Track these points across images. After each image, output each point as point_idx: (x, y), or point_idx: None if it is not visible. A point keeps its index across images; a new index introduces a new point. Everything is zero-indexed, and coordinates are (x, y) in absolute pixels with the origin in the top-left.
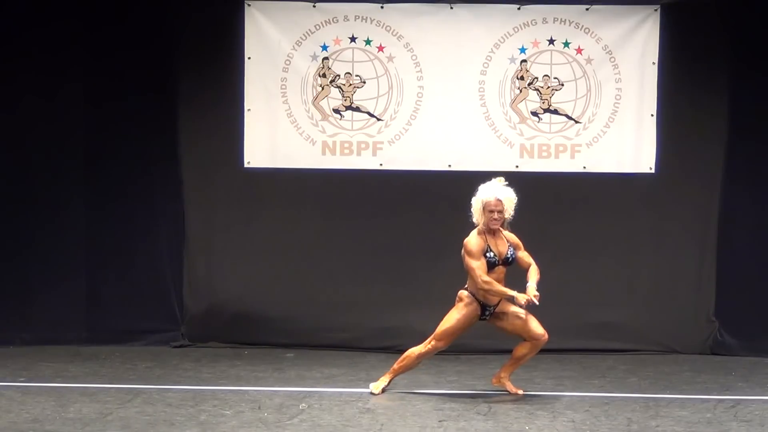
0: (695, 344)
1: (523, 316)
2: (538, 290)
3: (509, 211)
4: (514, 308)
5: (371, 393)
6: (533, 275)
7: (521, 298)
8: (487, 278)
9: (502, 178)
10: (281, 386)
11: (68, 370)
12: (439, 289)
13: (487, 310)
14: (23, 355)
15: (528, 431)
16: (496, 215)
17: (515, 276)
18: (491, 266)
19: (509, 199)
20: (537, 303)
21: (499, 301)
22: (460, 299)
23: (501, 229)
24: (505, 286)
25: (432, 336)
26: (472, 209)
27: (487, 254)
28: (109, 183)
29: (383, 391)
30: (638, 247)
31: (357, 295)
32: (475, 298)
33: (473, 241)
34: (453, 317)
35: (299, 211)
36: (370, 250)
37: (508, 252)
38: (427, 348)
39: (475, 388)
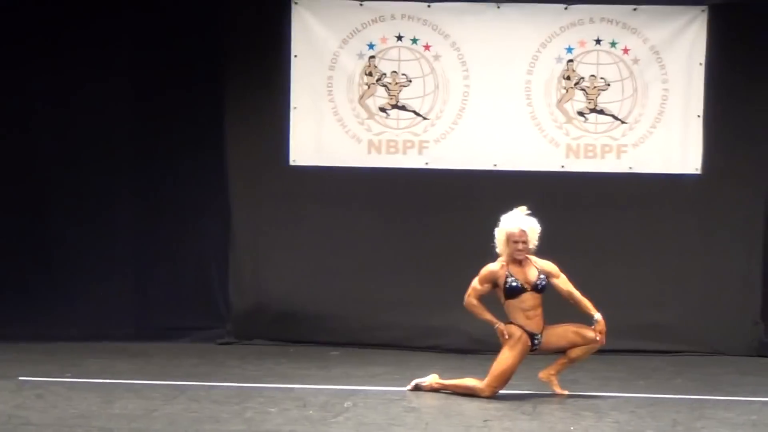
0: (741, 346)
1: (572, 328)
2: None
3: (533, 241)
4: (560, 326)
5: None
6: (588, 305)
7: (502, 328)
8: (473, 301)
9: (524, 207)
10: (326, 384)
11: (115, 367)
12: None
13: (535, 338)
14: (70, 351)
15: (573, 431)
16: (520, 246)
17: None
18: (517, 293)
19: (533, 229)
20: (601, 342)
21: (544, 329)
22: (510, 335)
23: (530, 257)
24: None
25: (489, 379)
26: (495, 240)
27: (509, 281)
28: (156, 180)
29: (416, 388)
30: (684, 248)
31: (402, 293)
32: (524, 329)
33: (488, 266)
34: (507, 360)
35: (345, 210)
36: (416, 248)
37: (539, 279)
38: (484, 393)
39: (520, 388)
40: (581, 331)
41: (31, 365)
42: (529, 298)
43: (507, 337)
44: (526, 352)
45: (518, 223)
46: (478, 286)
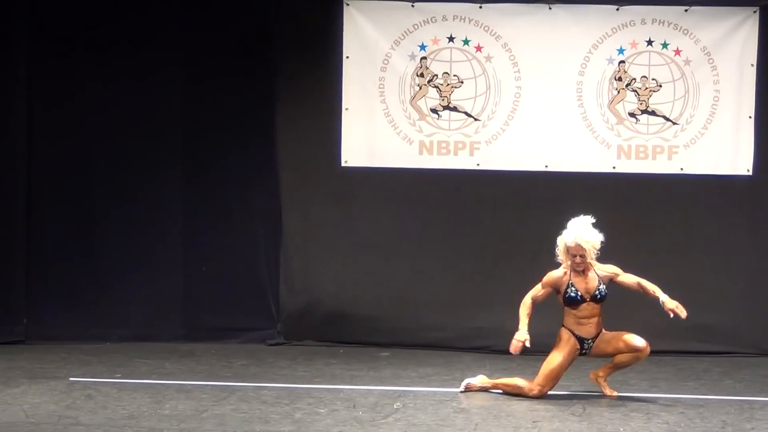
0: None
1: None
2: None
3: (591, 254)
4: (612, 333)
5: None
6: (655, 288)
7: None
8: (526, 299)
9: (589, 217)
10: (376, 385)
11: (164, 367)
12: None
13: (585, 343)
14: (120, 351)
15: None
16: (578, 259)
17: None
18: (576, 303)
19: (589, 242)
20: (683, 313)
21: (597, 335)
22: (560, 338)
23: (593, 263)
24: (603, 319)
25: (537, 378)
26: (557, 248)
27: (569, 291)
28: (207, 180)
29: (467, 389)
30: (735, 249)
31: (452, 294)
32: (573, 332)
33: (552, 272)
34: (555, 360)
35: (395, 211)
36: (466, 249)
37: (597, 290)
38: (532, 392)
39: (569, 389)
40: (628, 338)
41: (80, 366)
42: (586, 308)
43: (514, 353)
44: (574, 354)
45: (576, 235)
46: (539, 288)
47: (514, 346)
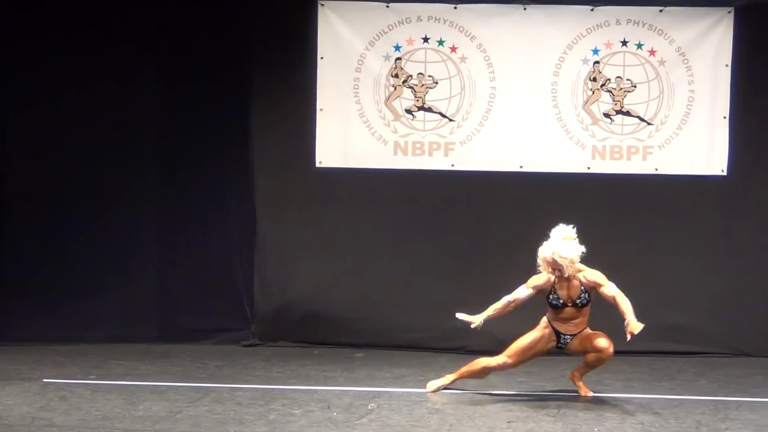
0: (766, 347)
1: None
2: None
3: (569, 270)
4: (588, 332)
5: (427, 392)
6: (627, 309)
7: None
8: (502, 300)
9: (570, 227)
10: (351, 386)
11: (138, 369)
12: (510, 290)
13: (562, 337)
14: (94, 353)
15: None
16: (556, 273)
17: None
18: (559, 308)
19: (566, 258)
20: (636, 333)
21: (579, 332)
22: (539, 324)
23: (577, 268)
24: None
25: (505, 351)
26: (537, 258)
27: (551, 298)
28: (182, 182)
29: (437, 389)
30: (709, 250)
31: (427, 295)
32: (552, 325)
33: (537, 276)
34: (527, 336)
35: (370, 212)
36: (441, 250)
37: (579, 297)
38: (496, 362)
39: (544, 389)
40: (595, 338)
41: (54, 367)
42: (569, 311)
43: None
44: (548, 340)
45: (553, 250)
46: (524, 289)
47: (464, 317)
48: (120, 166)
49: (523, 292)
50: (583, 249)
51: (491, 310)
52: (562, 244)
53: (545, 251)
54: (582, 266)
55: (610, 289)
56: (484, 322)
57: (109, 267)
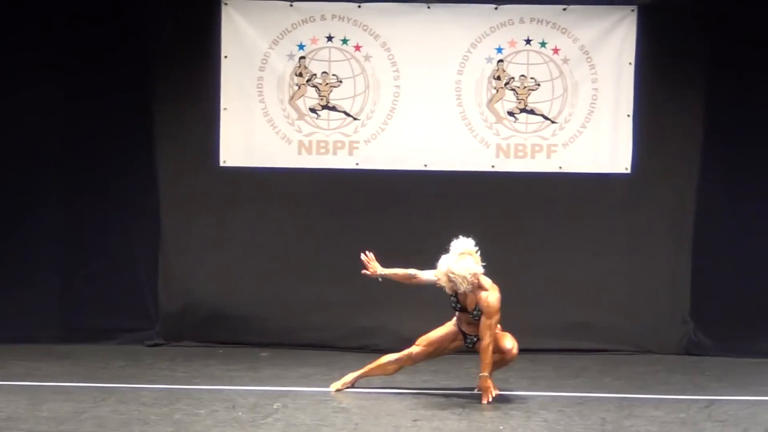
0: (670, 344)
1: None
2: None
3: (461, 287)
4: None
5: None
6: (484, 361)
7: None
8: (414, 270)
9: (470, 241)
10: (256, 385)
11: (41, 369)
12: (415, 289)
13: (468, 338)
14: None
15: (502, 431)
16: (451, 285)
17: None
18: (457, 311)
19: (458, 276)
20: (486, 399)
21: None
22: (450, 320)
23: (483, 282)
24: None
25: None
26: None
27: (451, 298)
28: (85, 181)
29: (342, 387)
30: (614, 247)
31: (333, 294)
32: (458, 325)
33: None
34: (437, 330)
35: (275, 211)
36: (346, 249)
37: (473, 313)
38: (403, 353)
39: (449, 387)
40: (502, 339)
41: None
42: (468, 317)
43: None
44: (452, 337)
45: (447, 267)
46: (432, 273)
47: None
48: (22, 163)
49: (429, 275)
50: (479, 268)
51: (393, 271)
52: (457, 261)
53: (442, 265)
54: (487, 283)
55: (487, 326)
56: (382, 277)
57: (9, 267)
